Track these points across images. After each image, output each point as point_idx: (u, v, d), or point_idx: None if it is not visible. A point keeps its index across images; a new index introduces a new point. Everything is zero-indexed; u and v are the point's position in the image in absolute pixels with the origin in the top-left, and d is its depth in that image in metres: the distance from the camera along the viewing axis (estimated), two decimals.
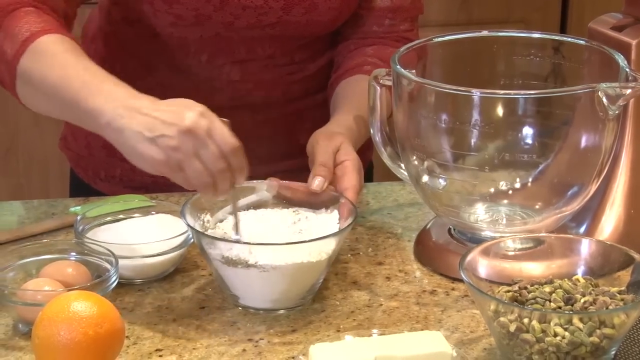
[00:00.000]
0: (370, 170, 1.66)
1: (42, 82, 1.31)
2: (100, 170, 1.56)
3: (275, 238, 1.25)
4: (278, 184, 1.32)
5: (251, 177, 1.30)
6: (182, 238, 1.29)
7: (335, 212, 1.29)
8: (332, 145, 1.34)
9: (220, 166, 1.20)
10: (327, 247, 1.22)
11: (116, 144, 1.25)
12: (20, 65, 1.32)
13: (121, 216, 1.36)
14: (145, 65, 1.47)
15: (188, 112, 1.20)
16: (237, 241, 1.24)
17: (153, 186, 1.52)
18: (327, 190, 1.30)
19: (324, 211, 1.30)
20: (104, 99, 1.25)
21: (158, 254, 1.29)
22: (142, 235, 1.30)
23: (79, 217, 1.33)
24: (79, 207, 1.42)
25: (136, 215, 1.36)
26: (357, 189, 1.30)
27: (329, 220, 1.28)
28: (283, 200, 1.32)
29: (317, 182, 1.30)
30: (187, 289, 1.29)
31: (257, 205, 1.32)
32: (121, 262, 1.24)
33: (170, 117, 1.20)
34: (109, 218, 1.35)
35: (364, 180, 1.35)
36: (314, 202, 1.30)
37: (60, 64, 1.30)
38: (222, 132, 1.21)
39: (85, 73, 1.29)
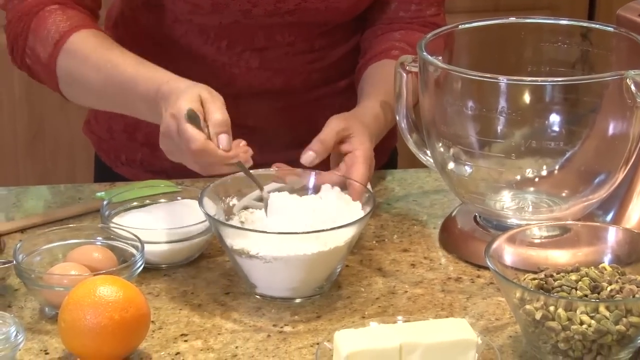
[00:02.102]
0: (395, 157, 1.65)
1: (84, 86, 1.38)
2: (122, 154, 1.57)
3: (291, 227, 1.24)
4: (284, 173, 1.31)
5: (269, 164, 1.30)
6: (207, 224, 1.29)
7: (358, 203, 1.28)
8: (340, 125, 1.33)
9: (202, 163, 1.24)
10: (343, 237, 1.21)
11: None
12: (59, 68, 1.38)
13: (147, 201, 1.36)
14: (166, 52, 1.48)
15: (165, 112, 1.26)
16: (251, 230, 1.23)
17: (173, 171, 1.52)
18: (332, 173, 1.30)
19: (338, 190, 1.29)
20: (141, 104, 1.32)
21: (184, 240, 1.29)
22: (168, 221, 1.31)
23: (105, 202, 1.34)
24: (105, 192, 1.42)
25: (162, 200, 1.37)
26: (365, 181, 1.30)
27: (348, 208, 1.28)
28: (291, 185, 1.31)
29: (306, 156, 1.31)
30: (213, 274, 1.29)
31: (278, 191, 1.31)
32: (147, 247, 1.25)
33: (163, 116, 1.26)
34: (135, 203, 1.36)
35: (374, 170, 1.34)
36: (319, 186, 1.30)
37: (94, 67, 1.36)
38: (185, 137, 1.22)
39: (118, 72, 1.34)
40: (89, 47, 1.37)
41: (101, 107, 1.46)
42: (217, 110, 1.23)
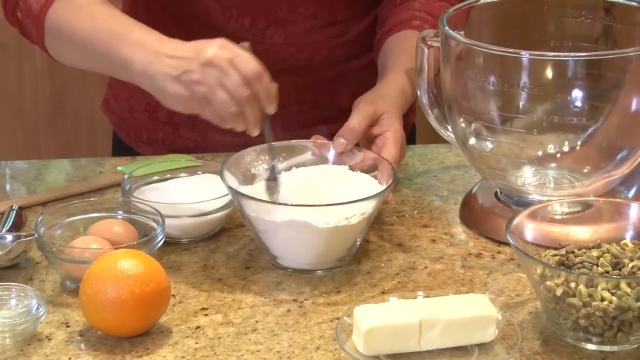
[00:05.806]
0: (413, 132, 1.65)
1: (71, 35, 1.32)
2: (143, 133, 1.56)
3: (312, 198, 1.25)
4: (322, 144, 1.32)
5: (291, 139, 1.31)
6: (228, 198, 1.29)
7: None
8: (370, 110, 1.33)
9: (245, 93, 1.23)
10: (363, 209, 1.21)
11: (150, 90, 1.28)
12: (48, 19, 1.33)
13: (168, 176, 1.36)
14: (187, 30, 1.47)
15: (208, 45, 1.24)
16: (273, 202, 1.24)
17: (195, 149, 1.52)
18: (367, 153, 1.30)
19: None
20: (133, 48, 1.27)
21: (204, 214, 1.29)
22: (189, 195, 1.31)
23: (126, 176, 1.34)
24: (125, 166, 1.43)
25: (183, 175, 1.37)
26: (396, 161, 1.30)
27: (370, 182, 1.28)
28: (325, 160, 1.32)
29: (337, 143, 1.31)
30: (233, 248, 1.29)
31: (299, 165, 1.32)
32: (167, 221, 1.25)
33: (191, 53, 1.24)
34: (155, 177, 1.36)
35: (405, 149, 1.34)
36: (355, 165, 1.30)
37: (88, 14, 1.31)
38: (244, 59, 1.23)
39: (114, 22, 1.30)
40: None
41: (84, 61, 1.36)
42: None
